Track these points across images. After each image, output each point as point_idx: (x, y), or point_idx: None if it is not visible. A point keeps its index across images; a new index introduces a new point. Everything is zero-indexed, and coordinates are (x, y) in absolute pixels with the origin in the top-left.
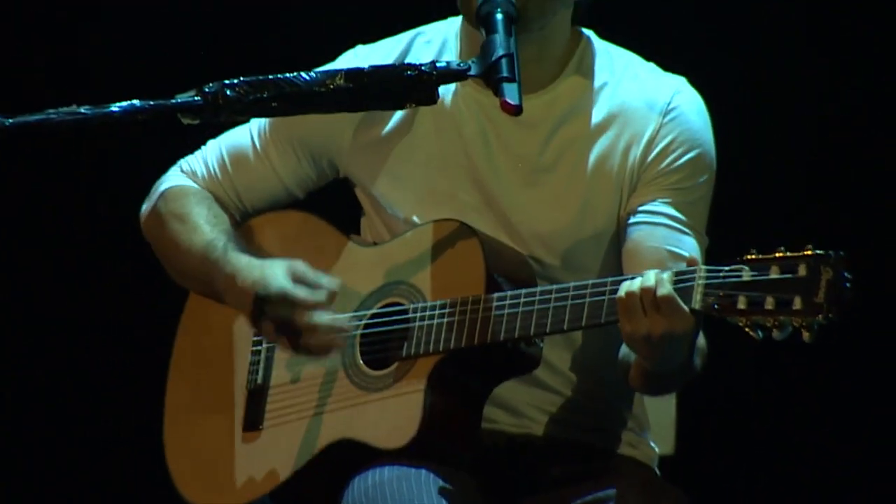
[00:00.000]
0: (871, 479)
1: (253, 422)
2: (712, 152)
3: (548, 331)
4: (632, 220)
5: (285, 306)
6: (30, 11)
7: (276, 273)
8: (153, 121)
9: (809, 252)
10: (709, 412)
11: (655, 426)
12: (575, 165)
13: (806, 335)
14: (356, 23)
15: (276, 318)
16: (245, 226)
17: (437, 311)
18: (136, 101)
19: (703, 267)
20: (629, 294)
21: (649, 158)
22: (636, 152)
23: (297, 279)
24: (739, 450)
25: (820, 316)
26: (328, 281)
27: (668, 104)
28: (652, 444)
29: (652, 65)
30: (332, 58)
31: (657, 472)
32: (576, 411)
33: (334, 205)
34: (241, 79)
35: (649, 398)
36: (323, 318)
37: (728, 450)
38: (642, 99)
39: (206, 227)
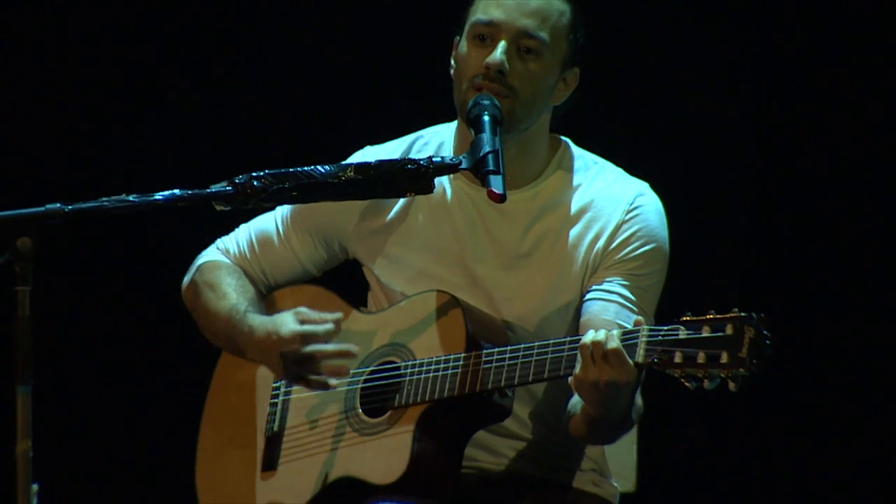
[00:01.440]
0: None
1: (270, 463)
2: (666, 248)
3: (516, 382)
4: (590, 295)
5: (297, 343)
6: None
7: (285, 320)
8: (191, 207)
9: (735, 314)
10: (668, 451)
11: (617, 465)
12: (549, 252)
13: (731, 385)
14: (367, 125)
15: (290, 355)
16: (269, 296)
17: (423, 367)
18: (176, 191)
19: (646, 327)
20: (582, 346)
21: (611, 246)
22: (601, 241)
23: (304, 320)
24: (698, 487)
25: (742, 369)
26: (331, 315)
27: (632, 203)
28: (613, 483)
29: (620, 169)
30: (346, 156)
31: None
32: (542, 452)
33: (349, 282)
34: (266, 171)
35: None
36: (330, 346)
37: (687, 487)
38: (610, 197)
39: (233, 294)
